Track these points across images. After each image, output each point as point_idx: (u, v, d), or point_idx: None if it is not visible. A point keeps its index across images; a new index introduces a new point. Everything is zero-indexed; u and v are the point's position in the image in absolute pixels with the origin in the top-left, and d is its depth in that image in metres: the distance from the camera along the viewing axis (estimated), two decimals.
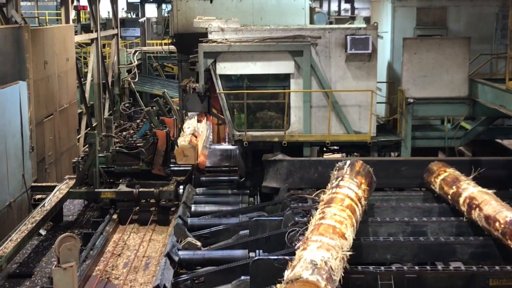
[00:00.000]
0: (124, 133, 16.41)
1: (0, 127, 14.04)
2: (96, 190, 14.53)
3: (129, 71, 31.09)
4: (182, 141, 15.52)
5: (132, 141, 15.38)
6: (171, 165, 15.53)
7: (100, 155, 14.79)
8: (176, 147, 15.28)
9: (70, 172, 17.52)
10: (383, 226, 11.26)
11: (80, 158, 15.06)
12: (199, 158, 16.90)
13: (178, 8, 16.39)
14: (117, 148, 15.05)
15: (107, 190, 14.56)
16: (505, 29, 15.22)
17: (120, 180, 14.81)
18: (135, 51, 31.87)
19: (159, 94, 31.82)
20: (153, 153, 14.78)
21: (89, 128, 24.07)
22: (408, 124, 14.48)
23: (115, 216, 14.44)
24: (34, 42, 16.98)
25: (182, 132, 16.75)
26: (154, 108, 16.65)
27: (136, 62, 31.31)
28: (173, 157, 15.30)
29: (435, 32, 16.11)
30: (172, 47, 18.82)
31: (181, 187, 14.77)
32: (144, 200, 14.55)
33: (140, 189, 14.45)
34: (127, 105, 19.92)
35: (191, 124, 17.38)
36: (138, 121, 17.39)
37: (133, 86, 30.31)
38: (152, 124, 15.48)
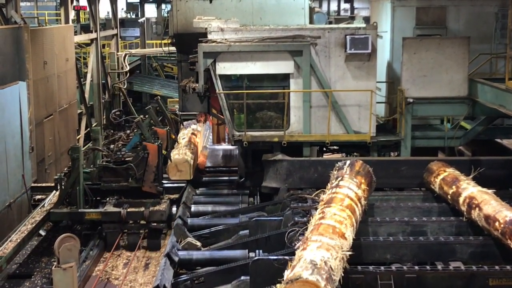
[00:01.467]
0: (112, 146, 14.89)
1: None
2: (79, 210, 13.02)
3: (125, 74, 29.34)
4: (176, 154, 14.63)
5: (121, 155, 13.79)
6: (164, 182, 14.29)
7: (85, 170, 13.44)
8: (169, 161, 14.30)
9: None
10: (383, 226, 11.26)
11: (62, 174, 13.41)
12: (199, 158, 16.91)
13: (177, 8, 16.39)
14: (104, 163, 13.56)
15: (92, 210, 13.06)
16: (505, 28, 15.23)
17: (107, 199, 13.38)
18: (125, 55, 29.10)
19: (158, 94, 31.86)
20: (143, 168, 13.33)
21: (88, 129, 24.06)
22: (407, 124, 14.48)
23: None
24: (33, 43, 16.98)
25: (176, 144, 15.78)
26: (146, 117, 15.24)
27: (128, 68, 28.80)
28: (166, 173, 14.39)
29: (435, 31, 16.12)
30: (171, 48, 18.73)
31: (174, 207, 13.52)
32: (132, 222, 13.02)
33: (129, 209, 12.97)
34: (117, 113, 17.61)
35: (186, 134, 16.43)
36: (128, 131, 16.01)
37: (125, 92, 28.51)
38: (142, 136, 14.13)
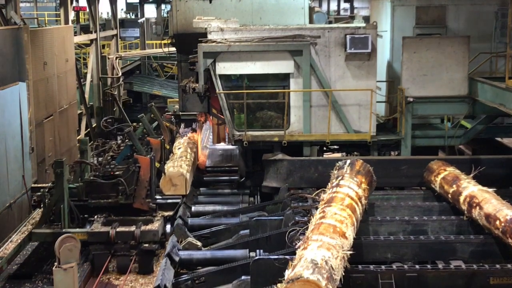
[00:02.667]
0: (100, 158, 13.64)
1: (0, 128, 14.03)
2: (64, 230, 11.49)
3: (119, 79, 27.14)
4: (171, 167, 13.55)
5: (110, 169, 12.48)
6: (157, 197, 12.88)
7: (71, 185, 12.07)
8: (163, 174, 13.23)
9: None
10: (383, 225, 11.27)
11: (46, 190, 12.01)
12: (199, 158, 16.89)
13: (177, 9, 16.39)
14: (91, 178, 12.25)
15: (77, 230, 11.60)
16: (504, 27, 15.22)
17: (95, 217, 12.03)
18: (116, 57, 27.13)
19: (158, 94, 31.87)
20: (134, 183, 12.03)
21: (88, 129, 24.06)
22: (408, 123, 14.48)
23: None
24: (33, 43, 16.96)
25: (171, 155, 14.67)
26: (139, 125, 14.35)
27: (120, 73, 27.02)
28: (159, 187, 13.21)
29: (435, 31, 16.11)
30: (171, 49, 18.65)
31: (168, 225, 12.15)
32: (122, 243, 11.61)
33: (118, 229, 11.55)
34: (108, 120, 16.04)
35: (182, 144, 15.32)
36: (120, 141, 14.70)
37: (117, 99, 26.45)
38: (133, 148, 12.94)
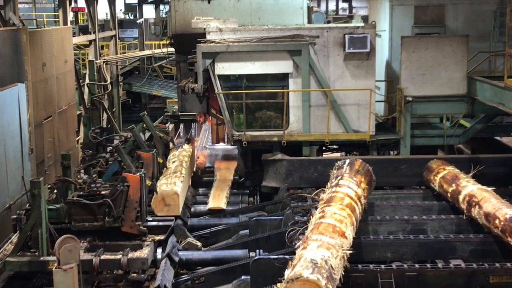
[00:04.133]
0: (85, 176, 12.22)
1: None
2: (41, 259, 10.26)
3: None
4: (164, 184, 12.44)
5: (95, 188, 11.10)
6: (149, 219, 11.62)
7: (51, 206, 10.84)
8: (155, 193, 12.05)
9: None
10: (383, 225, 11.27)
11: (23, 213, 10.60)
12: (198, 158, 16.90)
13: (176, 9, 16.39)
14: (75, 198, 10.93)
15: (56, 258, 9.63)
16: (503, 26, 15.23)
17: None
18: (103, 62, 25.03)
19: (157, 95, 31.87)
20: (122, 204, 10.76)
21: (90, 131, 23.88)
22: (407, 123, 14.49)
23: None
24: (32, 44, 16.95)
25: (165, 170, 13.67)
26: (130, 137, 13.36)
27: (109, 80, 25.16)
28: (151, 206, 12.04)
29: (433, 30, 16.12)
30: (167, 49, 18.58)
31: (159, 250, 10.88)
32: (107, 273, 10.44)
33: (102, 256, 10.26)
34: (97, 131, 14.65)
35: (177, 157, 14.31)
36: (107, 155, 13.44)
37: (106, 107, 24.48)
38: (122, 164, 12.04)
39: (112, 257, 10.35)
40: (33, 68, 16.91)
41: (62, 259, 9.27)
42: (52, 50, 18.91)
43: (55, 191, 11.50)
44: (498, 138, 17.08)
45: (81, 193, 11.14)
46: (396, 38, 15.57)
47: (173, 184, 12.49)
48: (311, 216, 10.28)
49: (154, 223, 11.64)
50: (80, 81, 24.48)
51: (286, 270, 8.02)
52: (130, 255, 10.34)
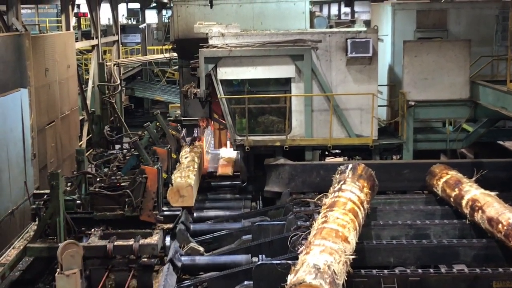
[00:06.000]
0: (106, 169, 13.13)
1: (1, 134, 14.03)
2: (59, 244, 10.68)
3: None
4: (178, 177, 13.23)
5: (115, 180, 11.97)
6: (164, 209, 12.50)
7: (67, 197, 11.76)
8: (170, 186, 12.89)
9: None
10: (386, 229, 11.25)
11: (41, 203, 11.71)
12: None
13: (178, 14, 16.42)
14: (97, 189, 11.78)
15: None
16: (506, 31, 15.21)
17: (92, 230, 11.66)
18: (114, 64, 26.45)
19: (160, 100, 31.91)
20: (141, 195, 11.62)
21: (90, 135, 24.05)
22: (409, 127, 14.48)
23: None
24: (35, 50, 16.99)
25: (178, 165, 14.40)
26: (145, 134, 14.10)
27: (118, 81, 26.25)
28: (166, 198, 12.83)
29: (436, 34, 16.12)
30: (170, 54, 18.62)
31: (168, 238, 11.74)
32: (120, 257, 11.14)
33: (116, 243, 11.06)
34: (108, 129, 15.66)
35: (189, 153, 15.10)
36: (125, 151, 14.21)
37: (116, 107, 25.84)
38: (140, 158, 12.81)
39: (125, 243, 11.11)
40: (35, 73, 16.94)
41: (64, 265, 9.29)
42: (55, 55, 18.95)
43: (69, 184, 12.44)
44: (501, 142, 17.05)
45: (102, 184, 11.88)
46: (398, 42, 15.58)
47: (186, 177, 13.21)
48: (313, 221, 10.26)
49: (167, 213, 12.43)
50: (83, 86, 24.54)
51: (289, 275, 8.01)
52: (141, 241, 11.05)
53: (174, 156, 14.47)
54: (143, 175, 11.68)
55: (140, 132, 14.42)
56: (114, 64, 26.33)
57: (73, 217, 11.66)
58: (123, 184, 11.81)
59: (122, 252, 11.08)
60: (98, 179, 12.15)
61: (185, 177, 13.24)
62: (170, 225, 11.84)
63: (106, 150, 14.78)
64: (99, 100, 25.05)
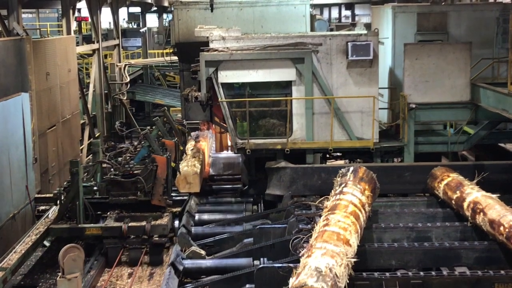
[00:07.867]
0: (120, 158, 14.48)
1: (3, 139, 14.05)
2: (79, 226, 12.76)
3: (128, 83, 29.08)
4: (185, 166, 14.31)
5: (129, 168, 13.59)
6: (173, 194, 14.11)
7: (85, 184, 13.31)
8: (178, 174, 13.99)
9: None
10: (387, 232, 11.24)
11: (62, 189, 13.21)
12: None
13: (179, 18, 16.43)
14: (112, 177, 13.35)
15: (92, 225, 12.82)
16: (506, 33, 15.23)
17: (108, 213, 13.23)
18: (125, 65, 28.85)
19: (161, 103, 31.89)
20: (152, 181, 13.19)
21: (91, 139, 24.06)
22: (410, 130, 14.47)
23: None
24: (36, 54, 17.02)
25: (184, 156, 15.48)
26: (153, 128, 15.14)
27: (128, 79, 28.53)
28: (175, 185, 14.08)
29: (436, 37, 16.14)
30: (173, 58, 18.71)
31: (176, 221, 13.25)
32: (134, 237, 12.81)
33: (130, 224, 12.75)
34: (118, 124, 17.42)
35: (194, 145, 16.23)
36: (135, 143, 15.52)
37: (125, 103, 27.99)
38: (150, 148, 14.01)
39: (138, 224, 12.72)
40: (36, 78, 16.97)
41: (66, 269, 9.30)
42: (56, 59, 18.98)
43: (85, 173, 14.02)
44: (502, 144, 17.05)
45: (117, 172, 13.45)
46: (399, 45, 15.59)
47: (193, 166, 14.22)
48: (315, 224, 10.26)
49: (175, 198, 14.05)
50: (84, 90, 24.57)
51: (291, 278, 8.00)
52: (153, 222, 12.70)
53: (181, 148, 15.56)
54: (154, 163, 13.19)
55: (148, 127, 15.17)
56: (126, 65, 28.75)
57: (90, 202, 13.03)
58: (135, 172, 13.36)
59: (135, 232, 12.69)
60: (112, 168, 13.63)
61: (191, 166, 14.20)
62: (179, 209, 13.46)
63: (117, 143, 16.18)
64: (111, 97, 26.86)
